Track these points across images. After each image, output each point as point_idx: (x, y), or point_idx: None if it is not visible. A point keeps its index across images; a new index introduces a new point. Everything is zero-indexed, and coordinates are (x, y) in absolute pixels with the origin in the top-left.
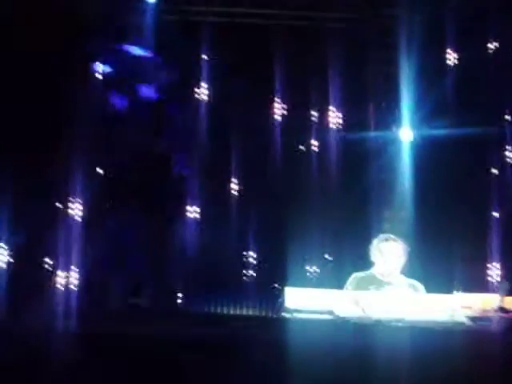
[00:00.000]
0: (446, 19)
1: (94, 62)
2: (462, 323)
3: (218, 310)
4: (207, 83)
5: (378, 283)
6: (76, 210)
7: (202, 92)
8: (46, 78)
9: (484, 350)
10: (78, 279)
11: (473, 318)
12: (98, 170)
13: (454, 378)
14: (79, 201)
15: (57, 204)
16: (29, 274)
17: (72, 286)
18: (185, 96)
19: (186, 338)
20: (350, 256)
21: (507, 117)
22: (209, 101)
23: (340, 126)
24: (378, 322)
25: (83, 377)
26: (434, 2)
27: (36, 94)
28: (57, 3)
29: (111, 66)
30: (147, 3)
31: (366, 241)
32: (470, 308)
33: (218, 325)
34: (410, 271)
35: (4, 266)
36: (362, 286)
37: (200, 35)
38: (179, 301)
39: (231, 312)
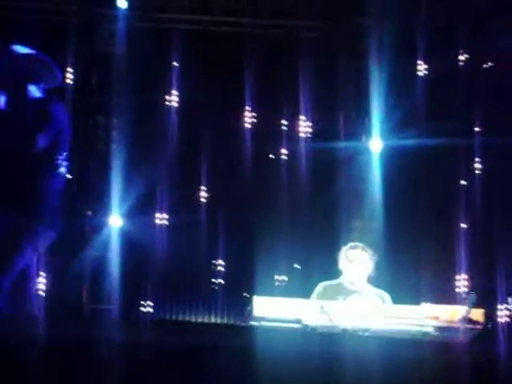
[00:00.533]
0: (417, 29)
1: None
2: (429, 333)
3: (186, 318)
4: (177, 90)
5: (345, 292)
6: None
7: (171, 99)
8: None
9: (451, 360)
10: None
11: (439, 329)
12: None
13: None
14: None
15: None
16: None
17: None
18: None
19: (151, 346)
20: (318, 265)
21: (476, 128)
22: (180, 107)
23: (310, 135)
24: (345, 332)
25: None
26: (404, 12)
27: None
28: None
29: None
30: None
31: (334, 249)
32: (437, 318)
33: (185, 332)
34: (377, 281)
35: None
36: (329, 294)
37: (171, 43)
38: (145, 308)
39: (198, 320)
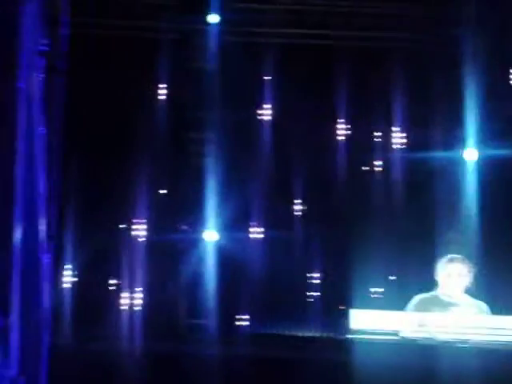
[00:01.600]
0: (508, 36)
1: None
2: None
3: (282, 332)
4: (270, 103)
5: (442, 304)
6: None
7: (264, 112)
8: None
9: None
10: (143, 299)
11: None
12: None
13: None
14: None
15: None
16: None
17: (136, 307)
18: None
19: (248, 359)
20: (414, 277)
21: None
22: (273, 121)
23: (404, 146)
24: (444, 344)
25: None
26: (498, 20)
27: None
28: None
29: None
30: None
31: (430, 261)
32: None
33: (282, 346)
34: (475, 292)
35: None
36: (425, 307)
37: (262, 56)
38: (243, 322)
39: (295, 333)
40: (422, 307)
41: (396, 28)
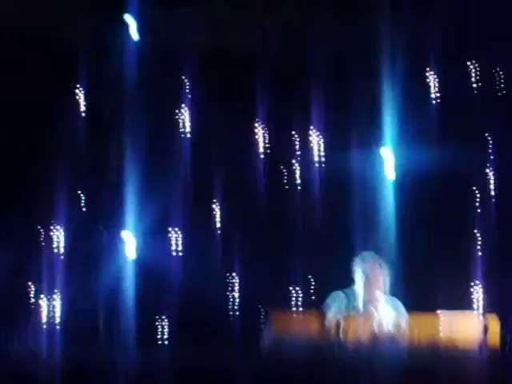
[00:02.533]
0: (430, 41)
1: None
2: (448, 344)
3: (202, 337)
4: (189, 109)
5: (358, 302)
6: None
7: (183, 118)
8: None
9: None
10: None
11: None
12: None
13: None
14: None
15: None
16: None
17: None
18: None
19: (169, 366)
20: (332, 275)
21: (490, 141)
22: (192, 126)
23: (323, 148)
24: (359, 344)
25: None
26: (415, 25)
27: None
28: None
29: None
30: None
31: (347, 259)
32: (454, 344)
33: (203, 352)
34: (391, 290)
35: None
36: (342, 305)
37: (181, 60)
38: (161, 328)
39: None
40: (338, 304)
41: (314, 32)
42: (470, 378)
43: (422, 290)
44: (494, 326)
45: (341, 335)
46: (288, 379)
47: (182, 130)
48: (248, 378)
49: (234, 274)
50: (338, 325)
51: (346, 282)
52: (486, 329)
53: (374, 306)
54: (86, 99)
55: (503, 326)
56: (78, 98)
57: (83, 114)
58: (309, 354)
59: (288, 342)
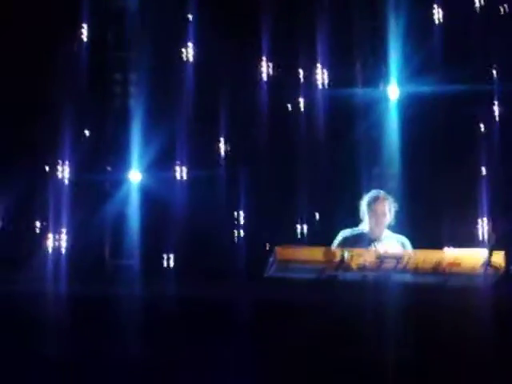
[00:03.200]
0: None
1: None
2: (451, 280)
3: (208, 271)
4: (193, 43)
5: (366, 240)
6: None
7: (187, 52)
8: None
9: (472, 305)
10: (67, 241)
11: (462, 275)
12: None
13: (443, 336)
14: None
15: None
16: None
17: (60, 249)
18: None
19: (175, 297)
20: (340, 213)
21: (495, 72)
22: (196, 60)
23: (327, 84)
24: (366, 279)
25: (73, 340)
26: None
27: None
28: None
29: None
30: None
31: (355, 198)
32: (459, 265)
33: (207, 285)
34: (398, 227)
35: None
36: (350, 243)
37: None
38: (168, 262)
39: (221, 273)
40: (347, 243)
41: None
42: (473, 307)
43: (429, 227)
44: (501, 261)
45: (345, 263)
46: (290, 304)
47: (186, 64)
48: (251, 304)
49: (239, 211)
50: (342, 255)
51: (355, 220)
52: (491, 264)
53: (381, 243)
54: (89, 33)
55: (509, 262)
56: (81, 31)
57: (87, 50)
58: (312, 279)
59: (291, 269)
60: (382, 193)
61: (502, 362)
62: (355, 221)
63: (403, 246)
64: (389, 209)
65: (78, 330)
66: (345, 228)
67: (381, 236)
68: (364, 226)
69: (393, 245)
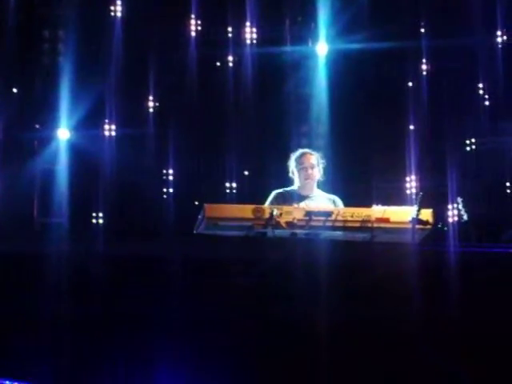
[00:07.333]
0: None
1: None
2: (379, 235)
3: (136, 228)
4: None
5: (297, 198)
6: None
7: (115, 9)
8: None
9: (401, 261)
10: None
11: (390, 230)
12: None
13: (371, 292)
14: None
15: None
16: None
17: None
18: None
19: (104, 255)
20: (268, 172)
21: (422, 29)
22: (125, 18)
23: (256, 41)
24: (295, 236)
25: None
26: None
27: None
28: None
29: None
30: None
31: (284, 156)
32: (387, 221)
33: (136, 242)
34: (328, 186)
35: None
36: (282, 201)
37: None
38: (97, 220)
39: (150, 230)
40: (279, 201)
41: None
42: (400, 262)
43: (359, 186)
44: (428, 218)
45: (274, 220)
46: (220, 261)
47: (115, 21)
48: (180, 261)
49: (169, 168)
50: (271, 212)
51: (287, 181)
52: (419, 220)
53: (311, 200)
54: None
55: (437, 219)
56: None
57: (14, 7)
58: (241, 236)
59: (220, 226)
60: (307, 149)
61: (427, 317)
62: (286, 182)
63: (334, 203)
64: (317, 163)
65: (6, 288)
66: (276, 188)
67: (311, 194)
68: (295, 185)
69: (323, 202)
